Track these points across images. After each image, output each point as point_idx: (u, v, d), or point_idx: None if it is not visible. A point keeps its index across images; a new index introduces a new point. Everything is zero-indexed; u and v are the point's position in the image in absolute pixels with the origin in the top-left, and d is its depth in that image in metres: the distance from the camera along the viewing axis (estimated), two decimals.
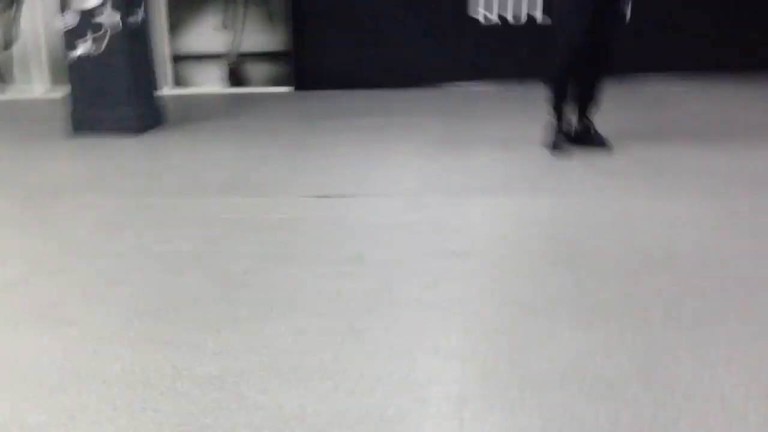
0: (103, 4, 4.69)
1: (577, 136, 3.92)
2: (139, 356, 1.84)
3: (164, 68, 6.61)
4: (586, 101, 3.86)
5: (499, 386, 1.64)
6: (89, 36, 4.76)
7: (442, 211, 2.94)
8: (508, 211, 2.91)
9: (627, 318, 1.95)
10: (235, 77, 6.81)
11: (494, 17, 6.22)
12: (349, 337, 1.91)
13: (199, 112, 5.69)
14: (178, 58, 6.77)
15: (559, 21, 3.76)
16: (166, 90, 6.42)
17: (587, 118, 3.90)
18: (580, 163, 3.63)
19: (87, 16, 4.72)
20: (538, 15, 6.15)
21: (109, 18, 4.71)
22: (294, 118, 5.32)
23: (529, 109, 5.08)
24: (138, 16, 4.88)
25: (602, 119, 4.01)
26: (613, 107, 4.54)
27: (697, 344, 1.79)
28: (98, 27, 4.74)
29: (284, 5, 6.52)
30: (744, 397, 1.56)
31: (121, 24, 4.73)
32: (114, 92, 4.85)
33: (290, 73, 6.65)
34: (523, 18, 6.18)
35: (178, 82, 6.82)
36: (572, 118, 3.92)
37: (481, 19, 6.24)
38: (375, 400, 1.61)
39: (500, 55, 6.26)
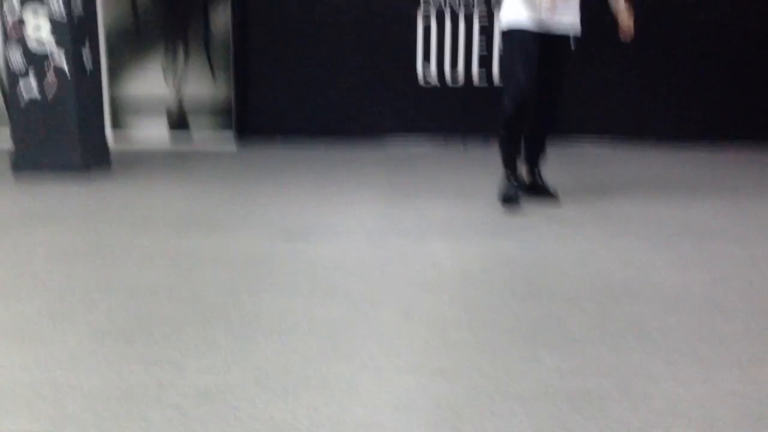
0: (48, 41, 4.66)
1: (528, 186, 4.04)
2: (119, 372, 1.79)
3: (106, 111, 6.54)
4: (535, 152, 3.98)
5: (487, 399, 1.67)
6: (33, 73, 4.70)
7: (407, 250, 2.99)
8: (472, 252, 2.99)
9: (601, 342, 2.02)
10: (177, 123, 6.79)
11: (433, 79, 6.44)
12: (333, 355, 1.91)
13: (142, 156, 5.63)
14: (118, 102, 6.72)
15: (506, 73, 3.85)
16: (109, 132, 6.34)
17: (537, 169, 4.04)
18: (532, 212, 3.76)
19: (31, 52, 4.68)
20: (475, 77, 6.41)
21: (56, 57, 4.68)
22: (239, 165, 5.33)
23: (477, 165, 5.25)
24: (86, 56, 4.85)
25: (549, 175, 4.18)
26: (557, 165, 4.75)
27: (671, 363, 1.87)
28: (42, 64, 4.69)
29: (227, 53, 6.58)
30: (725, 412, 1.64)
31: (66, 63, 4.69)
32: (60, 132, 4.76)
33: (232, 121, 6.67)
34: (461, 80, 6.43)
35: (119, 125, 6.74)
36: (523, 169, 4.03)
37: (420, 80, 6.46)
38: (367, 411, 1.61)
39: (443, 113, 6.47)
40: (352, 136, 6.51)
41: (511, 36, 3.68)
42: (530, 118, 3.75)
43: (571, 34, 3.72)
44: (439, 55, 6.43)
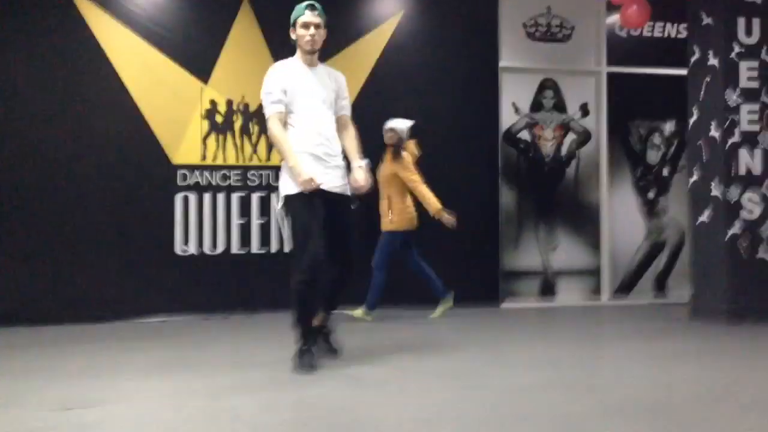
0: None
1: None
2: None
3: None
4: (326, 305, 4.11)
5: None
6: None
7: (212, 409, 3.05)
8: (290, 400, 3.13)
9: None
10: None
11: (192, 248, 6.55)
12: None
13: None
14: None
15: (295, 238, 3.88)
16: None
17: (325, 316, 4.17)
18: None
19: None
20: (235, 246, 6.66)
21: None
22: None
23: (248, 337, 5.39)
24: None
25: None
26: None
27: None
28: None
29: None
30: None
31: None
32: None
33: None
34: (220, 248, 6.63)
35: None
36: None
37: (179, 251, 6.53)
38: None
39: (202, 287, 6.52)
40: (108, 314, 6.19)
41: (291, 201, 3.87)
42: (324, 275, 3.86)
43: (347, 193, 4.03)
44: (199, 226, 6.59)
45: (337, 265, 3.96)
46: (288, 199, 3.89)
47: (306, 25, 3.93)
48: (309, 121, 3.90)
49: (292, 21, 3.99)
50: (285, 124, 3.90)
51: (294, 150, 3.83)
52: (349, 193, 4.04)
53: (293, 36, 4.00)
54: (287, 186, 3.89)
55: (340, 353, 4.19)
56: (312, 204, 3.81)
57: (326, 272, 3.86)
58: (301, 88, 3.92)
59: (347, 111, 4.14)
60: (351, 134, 4.09)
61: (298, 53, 4.04)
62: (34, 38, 6.27)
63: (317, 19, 3.94)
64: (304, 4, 3.95)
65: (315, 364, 3.81)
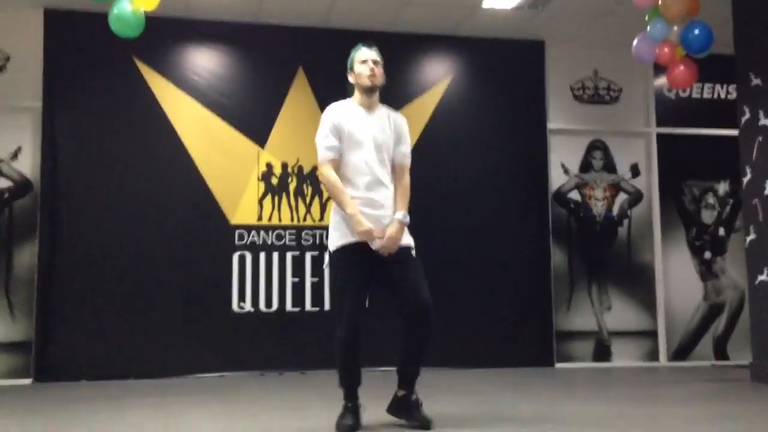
0: None
1: (396, 405, 3.67)
2: None
3: None
4: (404, 368, 3.63)
5: None
6: None
7: None
8: None
9: None
10: None
11: (248, 306, 6.71)
12: None
13: None
14: None
15: (335, 295, 3.70)
16: None
17: (408, 387, 3.63)
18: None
19: None
20: (288, 304, 6.79)
21: None
22: (46, 408, 5.02)
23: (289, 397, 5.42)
24: None
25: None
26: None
27: None
28: None
29: (28, 293, 6.36)
30: None
31: None
32: None
33: (31, 365, 6.26)
34: (275, 306, 6.76)
35: None
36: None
37: (236, 308, 6.69)
38: None
39: (258, 343, 6.64)
40: (166, 371, 6.35)
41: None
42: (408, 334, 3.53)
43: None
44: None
45: (412, 315, 3.50)
46: (333, 254, 3.64)
47: (364, 61, 3.65)
48: (362, 167, 3.60)
49: (349, 65, 3.71)
50: (338, 169, 3.62)
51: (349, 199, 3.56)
52: (405, 244, 3.64)
53: (351, 79, 3.71)
54: (333, 240, 3.64)
55: (431, 426, 3.53)
56: (356, 261, 3.56)
57: (409, 329, 3.51)
58: (356, 132, 3.61)
59: (407, 160, 3.77)
60: (403, 184, 3.72)
61: (357, 95, 3.71)
62: (104, 106, 6.67)
63: (376, 56, 3.68)
64: (360, 43, 3.74)
65: (354, 424, 3.52)
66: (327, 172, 3.61)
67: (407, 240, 3.64)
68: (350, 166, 3.61)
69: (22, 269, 6.41)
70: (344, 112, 3.66)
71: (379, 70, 3.67)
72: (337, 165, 3.61)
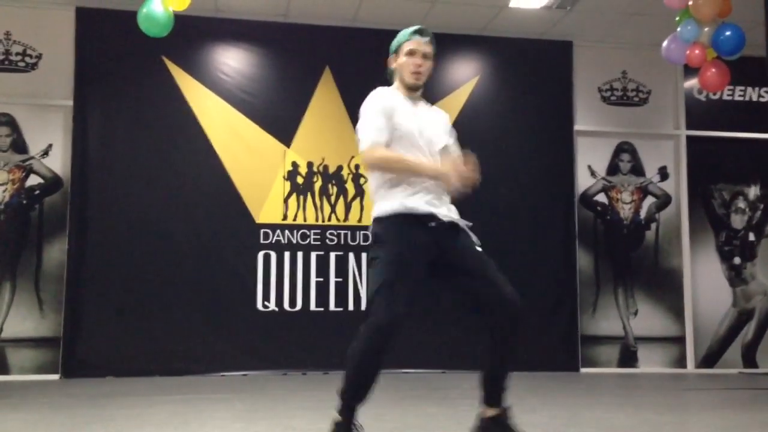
0: None
1: (484, 428, 2.97)
2: None
3: None
4: (492, 380, 2.96)
5: None
6: None
7: None
8: None
9: None
10: None
11: (272, 305, 6.74)
12: None
13: None
14: None
15: (375, 280, 2.89)
16: None
17: (499, 404, 2.97)
18: None
19: None
20: (312, 303, 6.80)
21: None
22: (72, 402, 5.08)
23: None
24: None
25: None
26: None
27: None
28: None
29: (57, 287, 6.44)
30: None
31: None
32: None
33: (59, 361, 6.34)
34: (299, 305, 6.77)
35: None
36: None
37: (260, 307, 6.71)
38: None
39: (281, 342, 6.66)
40: (191, 369, 6.40)
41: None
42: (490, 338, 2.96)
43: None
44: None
45: (497, 309, 2.93)
46: (380, 223, 2.94)
47: (413, 53, 3.04)
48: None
49: (394, 48, 3.11)
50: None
51: (392, 206, 2.94)
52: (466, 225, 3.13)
53: (392, 65, 3.13)
54: (384, 208, 2.96)
55: None
56: (412, 235, 2.89)
57: (500, 330, 2.92)
58: (409, 125, 3.03)
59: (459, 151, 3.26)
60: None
61: (397, 85, 3.14)
62: (134, 105, 6.74)
63: (427, 48, 3.08)
64: (412, 28, 3.09)
65: None
66: (381, 151, 2.95)
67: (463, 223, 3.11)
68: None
69: (52, 265, 6.50)
70: (394, 99, 3.08)
71: (427, 66, 3.10)
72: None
